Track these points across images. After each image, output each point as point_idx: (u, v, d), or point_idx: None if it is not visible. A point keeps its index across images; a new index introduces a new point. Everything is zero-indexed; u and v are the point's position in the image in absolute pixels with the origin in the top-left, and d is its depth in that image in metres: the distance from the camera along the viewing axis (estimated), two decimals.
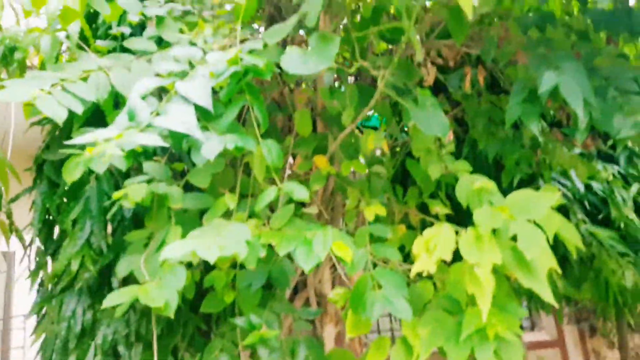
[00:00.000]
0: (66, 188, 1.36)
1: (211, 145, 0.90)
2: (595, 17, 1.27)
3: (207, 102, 0.93)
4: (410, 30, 0.93)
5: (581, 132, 1.04)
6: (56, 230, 1.48)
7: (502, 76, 1.45)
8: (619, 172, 2.44)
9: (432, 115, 0.95)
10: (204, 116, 0.97)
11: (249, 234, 0.88)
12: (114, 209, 1.18)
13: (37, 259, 1.48)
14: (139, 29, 1.44)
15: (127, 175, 1.37)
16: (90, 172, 1.32)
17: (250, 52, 0.94)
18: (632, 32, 1.19)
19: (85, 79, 1.05)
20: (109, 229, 1.37)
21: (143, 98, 0.93)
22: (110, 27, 1.47)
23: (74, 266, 1.29)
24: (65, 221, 1.31)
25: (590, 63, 1.15)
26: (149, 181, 1.06)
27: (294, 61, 0.87)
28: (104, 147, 0.77)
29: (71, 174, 0.96)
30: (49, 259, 1.46)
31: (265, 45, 0.97)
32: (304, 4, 0.98)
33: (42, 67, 1.32)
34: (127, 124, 0.88)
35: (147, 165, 1.09)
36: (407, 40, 0.98)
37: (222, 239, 0.85)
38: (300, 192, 0.93)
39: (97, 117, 1.16)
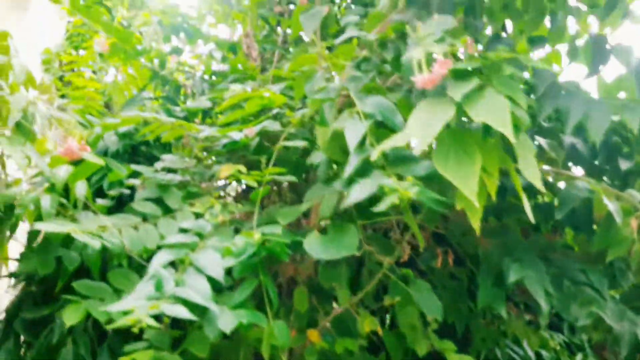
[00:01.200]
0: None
1: (226, 319, 0.99)
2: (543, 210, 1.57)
3: (220, 276, 1.05)
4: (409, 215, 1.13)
5: (544, 316, 1.23)
6: None
7: (466, 256, 1.68)
8: (564, 341, 2.67)
9: (428, 298, 1.13)
10: (214, 288, 1.08)
11: None
12: None
13: None
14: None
15: (103, 335, 1.39)
16: (67, 332, 1.34)
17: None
18: (575, 227, 1.47)
19: (98, 235, 1.15)
20: None
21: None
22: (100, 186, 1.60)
23: None
24: None
25: (542, 253, 1.40)
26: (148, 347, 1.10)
27: (316, 247, 1.03)
28: (139, 316, 0.85)
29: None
30: None
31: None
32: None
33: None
34: (150, 293, 0.96)
35: (149, 333, 1.14)
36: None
37: None
38: None
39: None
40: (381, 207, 0.86)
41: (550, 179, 1.46)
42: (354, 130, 0.99)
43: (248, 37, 1.85)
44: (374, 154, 0.90)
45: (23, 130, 1.16)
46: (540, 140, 1.45)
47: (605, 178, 1.53)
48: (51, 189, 1.42)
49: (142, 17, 2.48)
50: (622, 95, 1.45)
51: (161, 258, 1.05)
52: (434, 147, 0.90)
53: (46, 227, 1.10)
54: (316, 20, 1.24)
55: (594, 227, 1.38)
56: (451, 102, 0.87)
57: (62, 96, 2.69)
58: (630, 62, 1.29)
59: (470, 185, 0.84)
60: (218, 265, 1.06)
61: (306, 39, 1.83)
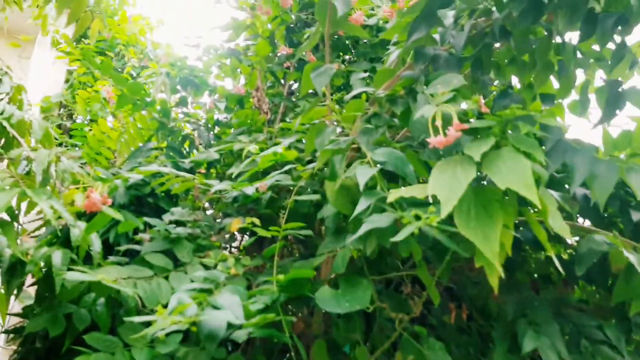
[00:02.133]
0: None
1: None
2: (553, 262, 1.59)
3: (240, 315, 1.05)
4: (424, 270, 1.16)
5: None
6: None
7: (475, 308, 1.69)
8: None
9: (442, 358, 1.13)
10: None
11: None
12: None
13: None
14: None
15: None
16: None
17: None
18: (590, 280, 1.49)
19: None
20: None
21: None
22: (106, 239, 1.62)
23: None
24: None
25: (556, 308, 1.41)
26: None
27: (328, 301, 1.05)
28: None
29: None
30: None
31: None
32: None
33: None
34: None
35: None
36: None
37: None
38: None
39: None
40: (400, 236, 0.87)
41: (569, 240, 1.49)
42: (364, 173, 1.02)
43: (258, 90, 1.93)
44: (391, 197, 0.92)
45: (46, 184, 1.19)
46: (553, 193, 1.48)
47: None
48: (62, 243, 1.45)
49: (151, 68, 2.59)
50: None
51: (179, 298, 1.06)
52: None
53: (77, 276, 1.11)
54: (326, 77, 1.30)
55: (608, 279, 1.40)
56: (471, 162, 0.90)
57: (60, 144, 2.76)
58: None
59: (492, 246, 0.85)
60: (238, 305, 1.06)
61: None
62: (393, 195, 0.92)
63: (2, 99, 1.69)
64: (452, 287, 1.61)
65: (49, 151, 1.24)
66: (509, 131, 0.99)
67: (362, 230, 0.91)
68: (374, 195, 0.98)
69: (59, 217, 1.17)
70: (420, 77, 1.14)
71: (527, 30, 1.16)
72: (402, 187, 0.95)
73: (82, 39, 3.59)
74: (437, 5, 1.09)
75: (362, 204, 0.96)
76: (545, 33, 1.21)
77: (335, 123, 1.43)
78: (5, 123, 1.52)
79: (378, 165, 1.05)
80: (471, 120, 1.05)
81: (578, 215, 1.60)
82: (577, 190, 1.48)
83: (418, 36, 1.12)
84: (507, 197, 0.98)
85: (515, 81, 1.51)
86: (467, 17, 1.26)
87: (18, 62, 3.98)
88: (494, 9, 1.25)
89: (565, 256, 1.62)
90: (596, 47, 1.39)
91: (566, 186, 1.55)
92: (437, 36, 1.31)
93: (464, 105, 1.06)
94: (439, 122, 0.95)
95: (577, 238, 1.58)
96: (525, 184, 0.85)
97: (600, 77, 1.46)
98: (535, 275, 1.62)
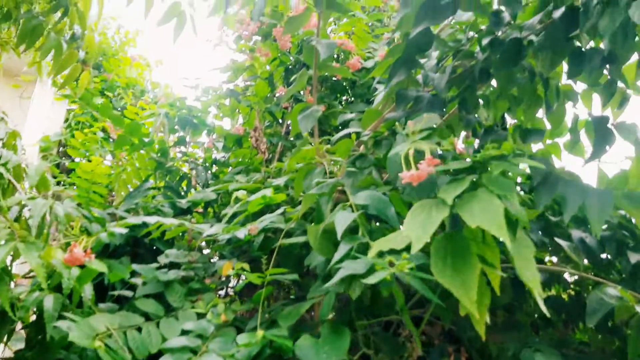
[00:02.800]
0: None
1: None
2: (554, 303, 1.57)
3: None
4: (406, 315, 1.15)
5: None
6: None
7: (476, 353, 1.66)
8: None
9: None
10: None
11: None
12: None
13: None
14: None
15: None
16: None
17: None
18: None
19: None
20: None
21: None
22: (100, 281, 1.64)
23: None
24: None
25: (558, 350, 1.39)
26: None
27: (307, 352, 1.04)
28: None
29: None
30: None
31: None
32: None
33: None
34: None
35: None
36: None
37: None
38: None
39: None
40: (371, 280, 0.88)
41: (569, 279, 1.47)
42: (343, 219, 1.03)
43: (256, 130, 1.97)
44: (371, 252, 0.93)
45: (41, 234, 1.23)
46: (562, 241, 1.46)
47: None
48: (55, 288, 1.47)
49: (150, 108, 2.66)
50: None
51: None
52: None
53: (66, 328, 1.13)
54: (312, 119, 1.33)
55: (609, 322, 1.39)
56: (445, 204, 0.91)
57: (59, 183, 2.82)
58: (637, 139, 1.29)
59: (469, 295, 0.84)
60: None
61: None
62: (374, 249, 0.93)
63: None
64: (451, 328, 1.60)
65: (45, 201, 1.28)
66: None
67: (338, 277, 0.92)
68: (353, 241, 0.99)
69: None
70: (402, 119, 1.16)
71: (509, 72, 1.19)
72: (382, 238, 0.96)
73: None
74: (415, 50, 1.12)
75: (341, 250, 0.97)
76: (527, 73, 1.23)
77: (325, 164, 1.45)
78: (2, 169, 1.57)
79: (359, 210, 1.06)
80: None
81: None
82: (574, 233, 1.47)
83: (398, 79, 1.15)
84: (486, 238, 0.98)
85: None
86: (450, 59, 1.30)
87: (19, 102, 4.11)
88: (476, 49, 1.28)
89: (564, 297, 1.60)
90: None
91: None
92: (420, 77, 1.34)
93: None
94: (411, 158, 0.95)
95: (576, 277, 1.58)
96: (497, 224, 0.84)
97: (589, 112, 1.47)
98: (536, 315, 1.60)
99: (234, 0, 1.39)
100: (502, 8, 1.17)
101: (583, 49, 1.21)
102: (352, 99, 2.21)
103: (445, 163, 0.97)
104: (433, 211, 0.91)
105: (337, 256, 0.97)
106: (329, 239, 1.11)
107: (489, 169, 1.00)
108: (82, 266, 1.28)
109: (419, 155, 0.93)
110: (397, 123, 1.12)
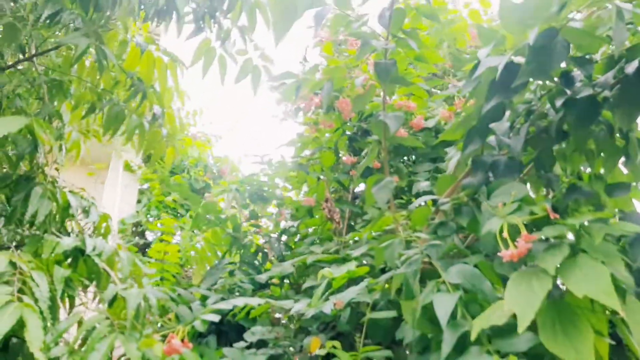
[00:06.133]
0: None
1: None
2: None
3: None
4: None
5: None
6: None
7: None
8: None
9: None
10: None
11: None
12: None
13: None
14: None
15: None
16: None
17: None
18: None
19: None
20: None
21: None
22: None
23: None
24: None
25: None
26: None
27: None
28: None
29: None
30: None
31: None
32: None
33: None
34: None
35: None
36: None
37: None
38: None
39: None
40: None
41: None
42: (443, 304, 1.05)
43: (328, 201, 2.04)
44: (473, 334, 0.94)
45: (137, 323, 1.31)
46: None
47: None
48: None
49: (221, 185, 2.82)
50: None
51: None
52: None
53: None
54: (387, 191, 1.38)
55: None
56: (545, 273, 0.91)
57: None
58: None
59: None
60: None
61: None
62: (475, 329, 0.94)
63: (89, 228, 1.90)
64: None
65: (139, 291, 1.37)
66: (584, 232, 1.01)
67: None
68: (456, 328, 1.01)
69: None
70: (482, 187, 1.19)
71: (586, 130, 1.20)
72: (482, 315, 0.97)
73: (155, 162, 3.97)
74: (489, 121, 1.16)
75: (447, 342, 0.99)
76: (605, 127, 1.24)
77: (401, 231, 1.49)
78: (97, 260, 1.70)
79: (456, 292, 1.08)
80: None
81: None
82: None
83: (473, 148, 1.19)
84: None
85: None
86: (522, 121, 1.33)
87: (94, 187, 4.42)
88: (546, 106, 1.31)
89: None
90: None
91: None
92: (493, 139, 1.37)
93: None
94: (507, 235, 0.98)
95: None
96: (605, 291, 0.84)
97: None
98: None
99: (303, 88, 1.49)
100: (572, 67, 1.20)
101: None
102: (414, 157, 2.26)
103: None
104: (534, 282, 0.92)
105: (445, 348, 0.99)
106: (427, 316, 1.12)
107: (585, 232, 1.00)
108: None
109: (512, 228, 0.96)
110: (478, 191, 1.15)
